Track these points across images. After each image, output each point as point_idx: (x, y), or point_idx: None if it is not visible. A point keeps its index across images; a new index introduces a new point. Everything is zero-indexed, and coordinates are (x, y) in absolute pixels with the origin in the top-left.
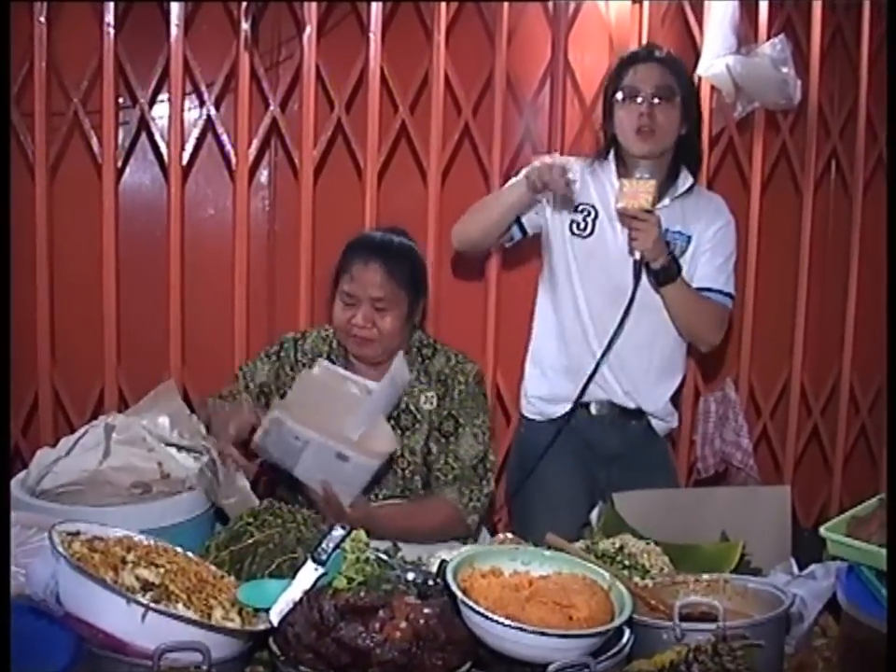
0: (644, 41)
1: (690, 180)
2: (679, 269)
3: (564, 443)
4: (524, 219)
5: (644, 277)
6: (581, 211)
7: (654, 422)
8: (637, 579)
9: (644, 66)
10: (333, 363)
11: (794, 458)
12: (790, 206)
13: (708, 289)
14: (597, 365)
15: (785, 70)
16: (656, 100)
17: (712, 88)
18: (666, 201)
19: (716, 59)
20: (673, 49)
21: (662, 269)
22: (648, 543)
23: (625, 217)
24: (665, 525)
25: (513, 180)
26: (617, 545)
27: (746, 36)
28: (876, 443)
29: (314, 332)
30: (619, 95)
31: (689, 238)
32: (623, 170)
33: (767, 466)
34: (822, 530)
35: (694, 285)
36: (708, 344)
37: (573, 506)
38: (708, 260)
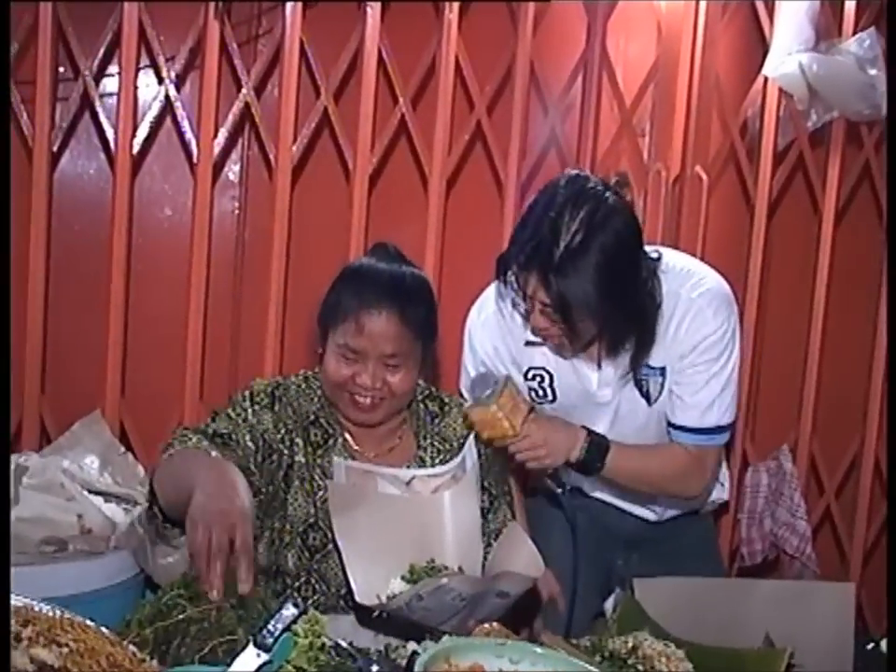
0: (700, 33)
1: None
2: (605, 450)
3: (572, 518)
4: None
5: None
6: (533, 378)
7: None
8: None
9: (537, 275)
10: (319, 423)
11: (864, 549)
12: (870, 241)
13: (681, 428)
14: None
15: (873, 72)
16: (550, 310)
17: (781, 92)
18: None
19: (788, 56)
20: (733, 45)
21: (578, 464)
22: (668, 645)
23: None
24: (697, 621)
25: None
26: (630, 645)
27: (827, 30)
28: None
29: (289, 383)
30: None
31: (662, 370)
32: None
33: (830, 556)
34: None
35: (669, 419)
36: (686, 498)
37: (581, 593)
38: (683, 388)
